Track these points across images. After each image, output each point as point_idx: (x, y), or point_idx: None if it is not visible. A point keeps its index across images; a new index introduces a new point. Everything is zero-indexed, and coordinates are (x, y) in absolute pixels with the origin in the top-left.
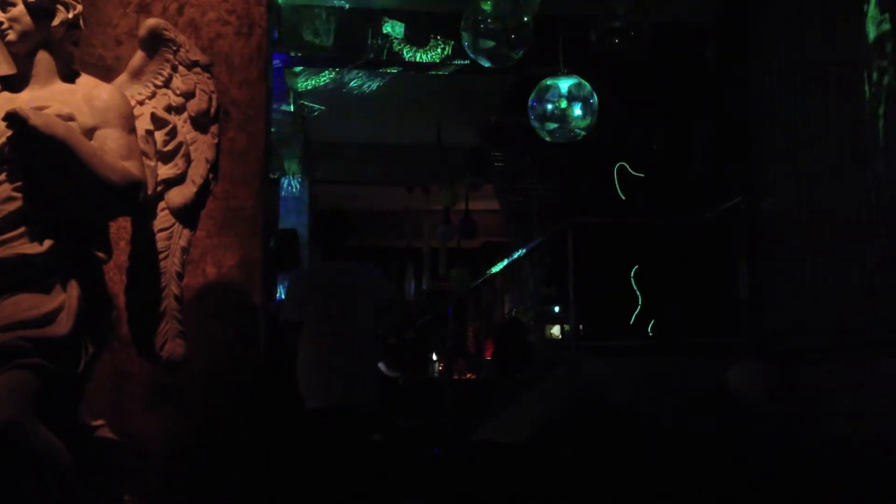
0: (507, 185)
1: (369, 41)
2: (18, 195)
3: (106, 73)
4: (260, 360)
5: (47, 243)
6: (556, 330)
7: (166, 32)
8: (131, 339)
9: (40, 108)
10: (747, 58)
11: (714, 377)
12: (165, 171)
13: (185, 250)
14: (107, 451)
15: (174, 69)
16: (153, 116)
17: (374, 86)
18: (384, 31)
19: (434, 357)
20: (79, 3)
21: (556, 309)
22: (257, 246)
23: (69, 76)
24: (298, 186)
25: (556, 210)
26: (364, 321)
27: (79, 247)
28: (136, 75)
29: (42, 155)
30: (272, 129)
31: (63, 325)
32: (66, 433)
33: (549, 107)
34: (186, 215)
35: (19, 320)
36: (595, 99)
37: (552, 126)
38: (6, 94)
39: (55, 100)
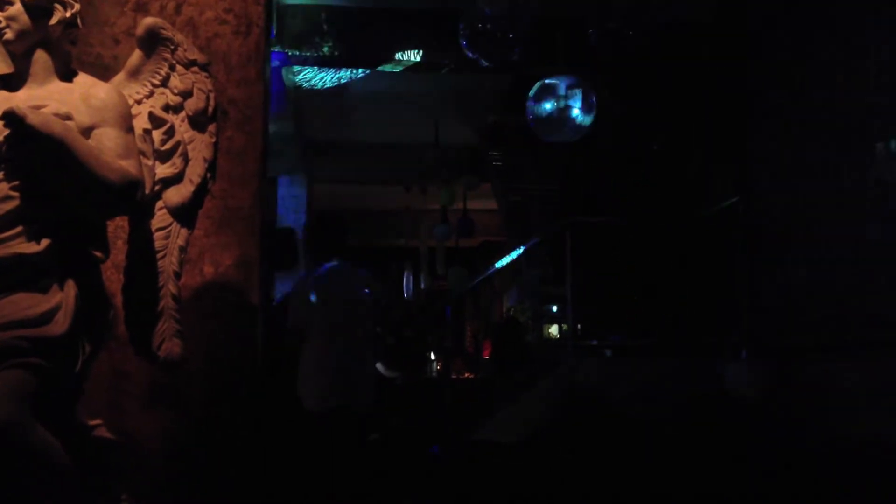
0: (505, 185)
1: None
2: (16, 194)
3: (104, 72)
4: (258, 360)
5: (44, 242)
6: (554, 329)
7: (164, 31)
8: (129, 339)
9: (38, 107)
10: (746, 57)
11: (712, 377)
12: (163, 170)
13: (182, 249)
14: (104, 451)
15: (172, 68)
16: (151, 115)
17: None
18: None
19: (432, 357)
20: (76, 1)
21: (554, 308)
22: (255, 245)
23: (67, 75)
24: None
25: (554, 209)
26: (363, 324)
27: (76, 246)
28: (134, 74)
29: (39, 154)
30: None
31: (60, 325)
32: (64, 433)
33: (548, 106)
34: (184, 214)
35: (16, 319)
36: (593, 98)
37: (550, 125)
38: (4, 92)
39: (53, 99)
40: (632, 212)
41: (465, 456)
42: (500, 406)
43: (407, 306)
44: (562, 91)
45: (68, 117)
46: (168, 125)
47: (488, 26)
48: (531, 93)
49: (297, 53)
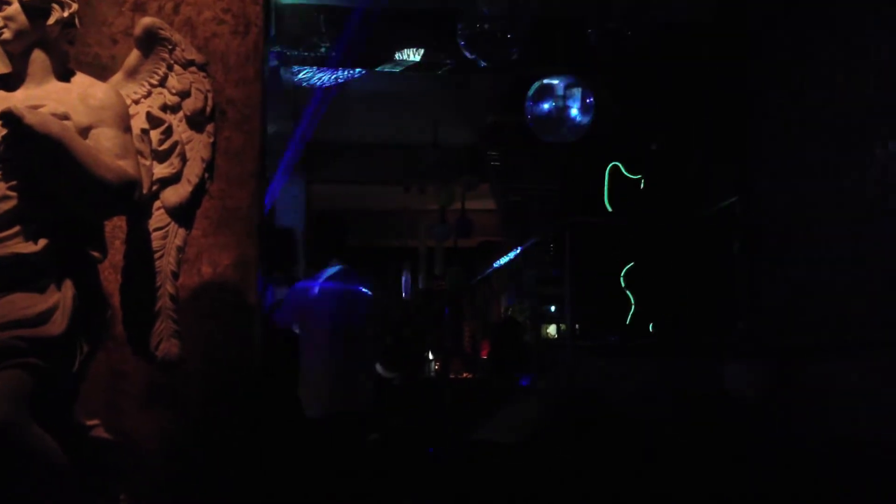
0: (503, 185)
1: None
2: (13, 194)
3: (101, 72)
4: (256, 360)
5: (42, 242)
6: (552, 329)
7: (162, 31)
8: (126, 339)
9: (35, 107)
10: (746, 57)
11: (712, 377)
12: (161, 170)
13: (180, 249)
14: (102, 451)
15: (170, 68)
16: (148, 115)
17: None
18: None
19: (430, 357)
20: (74, 1)
21: (553, 308)
22: (253, 245)
23: (64, 75)
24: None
25: (553, 209)
26: (363, 327)
27: (74, 246)
28: (132, 74)
29: (37, 154)
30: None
31: (58, 325)
32: (61, 433)
33: (546, 106)
34: (182, 214)
35: (14, 319)
36: (592, 98)
37: (549, 125)
38: (1, 92)
39: (50, 98)
40: (631, 212)
41: (464, 456)
42: (499, 406)
43: (405, 306)
44: (560, 91)
45: (66, 117)
46: (166, 125)
47: (487, 26)
48: (530, 93)
49: (296, 53)
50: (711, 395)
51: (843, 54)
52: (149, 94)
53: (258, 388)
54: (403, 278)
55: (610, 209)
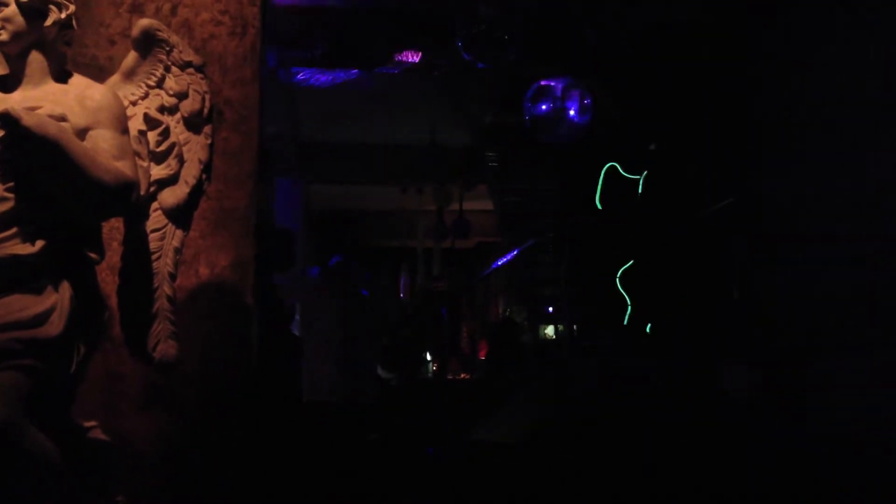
0: (501, 185)
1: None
2: (10, 196)
3: (99, 74)
4: (253, 361)
5: (39, 244)
6: (550, 330)
7: (159, 33)
8: (124, 340)
9: (33, 109)
10: (746, 57)
11: (711, 376)
12: (158, 171)
13: (177, 251)
14: (99, 452)
15: (167, 69)
16: (146, 117)
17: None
18: None
19: (428, 357)
20: (71, 3)
21: (550, 309)
22: (250, 246)
23: (62, 76)
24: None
25: (551, 210)
26: (364, 320)
27: (71, 247)
28: (129, 76)
29: (34, 155)
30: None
31: (55, 326)
32: (59, 434)
33: (544, 107)
34: (179, 216)
35: (11, 321)
36: (590, 99)
37: (546, 126)
38: None
39: (47, 100)
40: (630, 212)
41: (462, 456)
42: (497, 407)
43: (403, 307)
44: (558, 92)
45: (63, 118)
46: (163, 126)
47: (484, 27)
48: (527, 94)
49: (293, 54)
50: (710, 395)
51: (843, 54)
52: (146, 95)
53: (258, 388)
54: (401, 279)
55: (601, 209)
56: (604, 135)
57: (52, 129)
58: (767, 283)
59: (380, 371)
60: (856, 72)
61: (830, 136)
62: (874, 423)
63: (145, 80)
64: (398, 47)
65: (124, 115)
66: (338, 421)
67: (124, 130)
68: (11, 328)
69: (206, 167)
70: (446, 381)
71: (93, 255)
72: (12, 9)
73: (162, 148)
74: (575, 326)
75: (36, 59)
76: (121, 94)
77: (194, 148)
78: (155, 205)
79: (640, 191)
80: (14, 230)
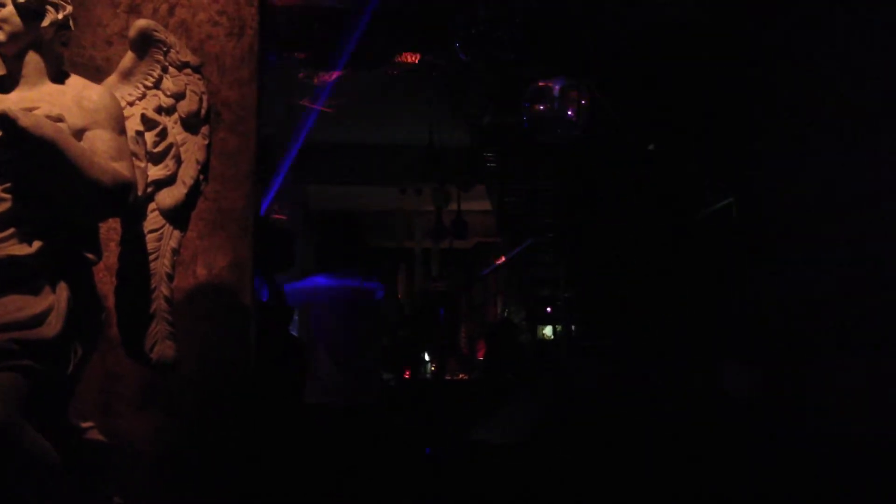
0: (499, 186)
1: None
2: (7, 196)
3: (96, 74)
4: (251, 362)
5: (36, 244)
6: (548, 330)
7: (157, 33)
8: (121, 341)
9: (30, 109)
10: (745, 57)
11: (710, 377)
12: (155, 172)
13: (175, 252)
14: (97, 453)
15: (164, 70)
16: (143, 117)
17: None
18: None
19: (426, 358)
20: (69, 3)
21: (549, 309)
22: (248, 247)
23: (59, 77)
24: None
25: (549, 210)
26: (371, 326)
27: (68, 248)
28: (127, 76)
29: (31, 156)
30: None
31: (52, 327)
32: (56, 435)
33: (542, 107)
34: (177, 216)
35: (8, 322)
36: (588, 99)
37: (544, 126)
38: None
39: (44, 101)
40: (628, 213)
41: (461, 456)
42: (495, 407)
43: (401, 308)
44: (556, 92)
45: (60, 119)
46: (161, 127)
47: (483, 28)
48: (525, 94)
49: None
50: (709, 395)
51: (843, 54)
52: (143, 96)
53: (257, 389)
54: (399, 279)
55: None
56: (602, 135)
57: (49, 129)
58: (767, 284)
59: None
60: (855, 71)
61: (830, 136)
62: (874, 423)
63: (143, 81)
64: (397, 48)
65: (122, 115)
66: (340, 424)
67: (122, 131)
68: (8, 329)
69: (204, 168)
70: (445, 381)
71: (90, 256)
72: (9, 9)
73: (159, 149)
74: (573, 327)
75: (33, 60)
76: (118, 94)
77: (192, 148)
78: (152, 205)
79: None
80: (11, 231)
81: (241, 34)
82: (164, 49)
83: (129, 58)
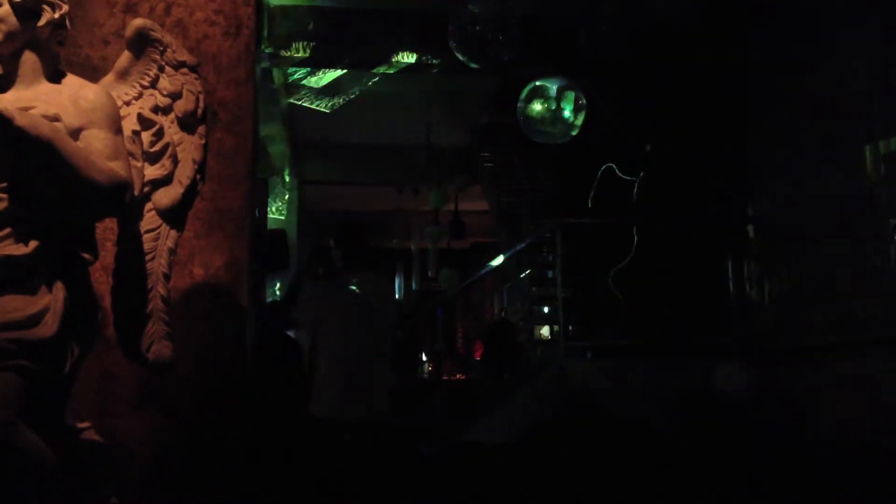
0: (496, 186)
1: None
2: (4, 196)
3: (92, 74)
4: (247, 362)
5: (33, 244)
6: (545, 331)
7: (153, 33)
8: (118, 341)
9: (26, 109)
10: (745, 57)
11: (703, 377)
12: (152, 171)
13: (172, 251)
14: (93, 453)
15: (161, 70)
16: (140, 117)
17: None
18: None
19: (424, 358)
20: (65, 3)
21: (546, 309)
22: (244, 247)
23: (55, 76)
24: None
25: (546, 210)
26: (381, 332)
27: (65, 248)
28: (123, 76)
29: (28, 156)
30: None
31: (49, 327)
32: (52, 435)
33: (539, 107)
34: (173, 216)
35: (4, 322)
36: (584, 100)
37: (541, 127)
38: None
39: (41, 100)
40: (626, 213)
41: (458, 457)
42: (492, 407)
43: (398, 308)
44: (552, 93)
45: (56, 119)
46: (157, 127)
47: (478, 28)
48: (522, 94)
49: (288, 55)
50: (706, 394)
51: (842, 55)
52: (140, 95)
53: (254, 390)
54: (397, 280)
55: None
56: (599, 135)
57: (46, 129)
58: (766, 284)
59: None
60: (854, 73)
61: (829, 136)
62: (873, 424)
63: (139, 80)
64: (393, 47)
65: (118, 115)
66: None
67: (118, 131)
68: (5, 329)
69: (201, 167)
70: (442, 381)
71: (87, 256)
72: (5, 9)
73: (156, 148)
74: (570, 327)
75: (29, 59)
76: (114, 94)
77: (188, 148)
78: (149, 205)
79: (636, 191)
80: (8, 230)
81: (237, 34)
82: (161, 48)
83: (125, 57)
